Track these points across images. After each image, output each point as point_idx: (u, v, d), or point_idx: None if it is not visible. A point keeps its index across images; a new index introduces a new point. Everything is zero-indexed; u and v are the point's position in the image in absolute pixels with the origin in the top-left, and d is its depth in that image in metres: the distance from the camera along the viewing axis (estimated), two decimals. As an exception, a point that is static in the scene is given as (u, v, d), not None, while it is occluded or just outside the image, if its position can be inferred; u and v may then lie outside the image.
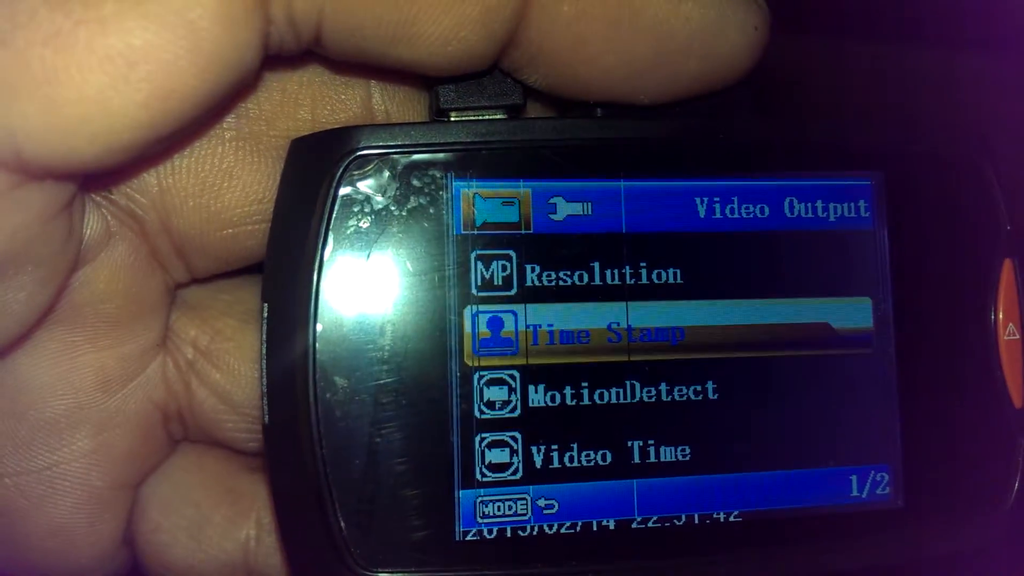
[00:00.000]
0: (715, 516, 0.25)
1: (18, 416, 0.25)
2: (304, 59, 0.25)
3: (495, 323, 0.25)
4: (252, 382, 0.27)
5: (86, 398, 0.25)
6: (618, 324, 0.25)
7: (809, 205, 0.27)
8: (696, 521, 0.25)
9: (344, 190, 0.24)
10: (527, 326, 0.25)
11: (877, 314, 0.26)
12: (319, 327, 0.24)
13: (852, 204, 0.27)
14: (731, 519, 0.25)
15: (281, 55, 0.23)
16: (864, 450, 0.26)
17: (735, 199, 0.26)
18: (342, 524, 0.24)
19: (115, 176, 0.24)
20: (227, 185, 0.25)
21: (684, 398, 0.26)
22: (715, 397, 0.26)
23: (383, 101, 0.26)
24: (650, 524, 0.25)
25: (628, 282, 0.26)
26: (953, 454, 0.27)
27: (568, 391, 0.25)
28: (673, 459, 0.25)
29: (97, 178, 0.24)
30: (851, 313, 0.26)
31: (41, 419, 0.25)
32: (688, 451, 0.25)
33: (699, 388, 0.26)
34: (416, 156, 0.25)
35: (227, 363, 0.27)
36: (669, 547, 0.25)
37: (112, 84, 0.19)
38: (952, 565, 0.27)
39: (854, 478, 0.26)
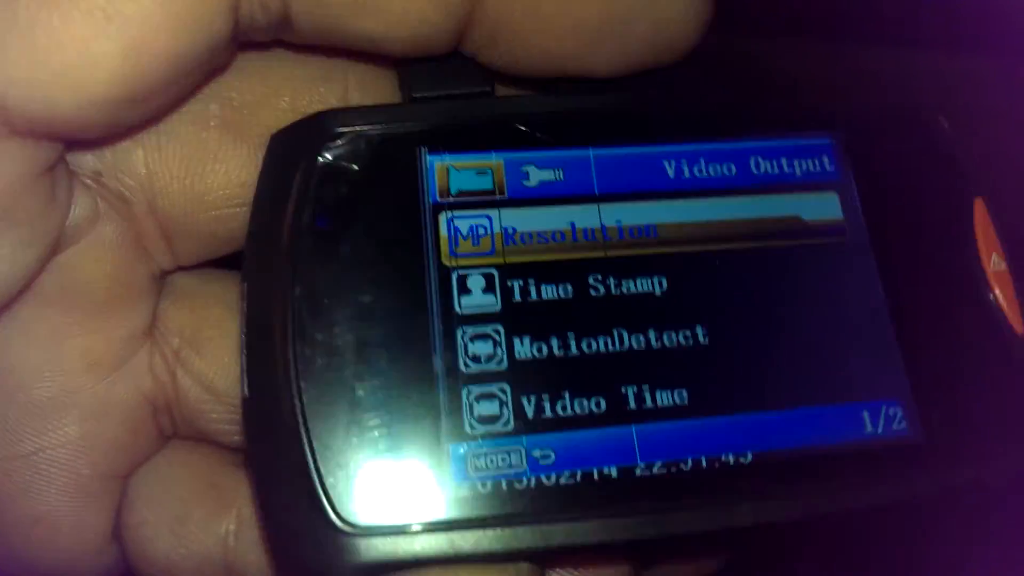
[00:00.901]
0: (724, 458, 0.24)
1: (7, 398, 0.24)
2: (280, 51, 0.27)
3: (476, 281, 0.25)
4: (236, 371, 0.26)
5: (74, 382, 0.25)
6: (599, 278, 0.25)
7: (774, 162, 0.27)
8: (704, 465, 0.24)
9: (320, 162, 0.25)
10: (509, 282, 0.25)
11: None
12: (297, 291, 0.24)
13: (816, 160, 0.28)
14: (742, 461, 0.24)
15: (253, 37, 0.25)
16: (872, 385, 0.25)
17: (702, 160, 0.27)
18: (326, 486, 0.22)
19: (95, 147, 0.25)
20: (212, 168, 0.26)
21: (675, 343, 0.25)
22: (706, 342, 0.25)
23: (360, 96, 0.28)
24: (655, 470, 0.24)
25: (605, 239, 0.26)
26: (965, 386, 0.25)
27: (555, 341, 0.25)
28: (670, 402, 0.24)
29: (82, 151, 0.25)
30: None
31: (29, 402, 0.24)
32: (685, 393, 0.24)
33: (689, 333, 0.25)
34: (389, 133, 0.26)
35: (211, 352, 0.26)
36: (678, 492, 0.23)
37: (93, 35, 0.21)
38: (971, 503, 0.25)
39: (866, 414, 0.25)
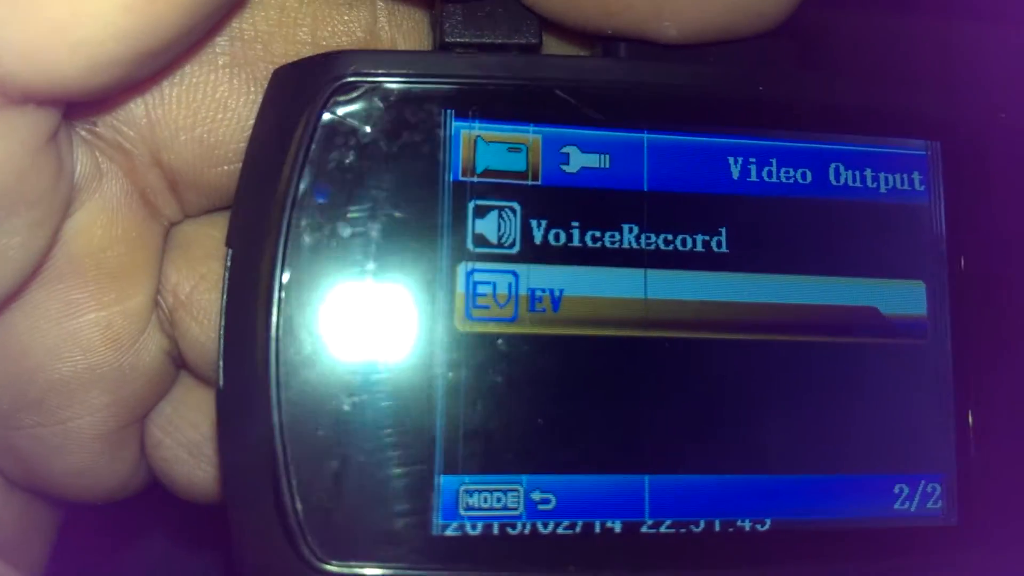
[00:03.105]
0: (739, 524, 0.22)
1: (26, 379, 0.23)
2: None
3: (491, 284, 0.22)
4: None
5: (97, 358, 0.23)
6: (633, 293, 0.22)
7: (857, 173, 0.23)
8: (717, 528, 0.22)
9: (326, 119, 0.21)
10: (528, 290, 0.22)
11: (931, 300, 0.23)
12: (286, 276, 0.21)
13: (905, 175, 0.24)
14: (758, 528, 0.22)
15: None
16: (914, 456, 0.23)
17: (773, 161, 0.23)
18: (299, 507, 0.20)
19: (100, 106, 0.22)
20: (221, 117, 0.22)
21: (707, 385, 0.22)
22: (743, 386, 0.22)
23: (389, 28, 0.23)
24: (663, 529, 0.21)
25: (647, 247, 0.22)
26: (1014, 467, 0.23)
27: (577, 371, 0.22)
28: (692, 455, 0.22)
29: (81, 108, 0.21)
30: (902, 297, 0.23)
31: (50, 380, 0.23)
32: (710, 447, 0.22)
33: (725, 375, 0.22)
34: (412, 87, 0.22)
35: (208, 317, 0.24)
36: (684, 557, 0.21)
37: None
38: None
39: (903, 488, 0.22)
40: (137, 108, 0.22)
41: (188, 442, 0.26)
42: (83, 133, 0.22)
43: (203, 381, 0.25)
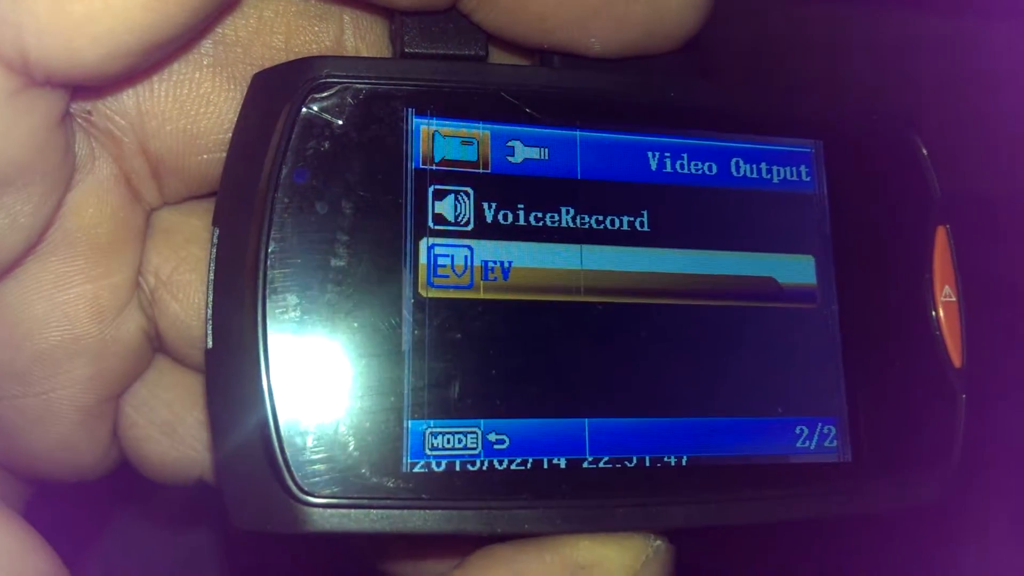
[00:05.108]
0: (666, 460, 0.25)
1: (14, 347, 0.25)
2: None
3: (450, 257, 0.25)
4: None
5: (81, 329, 0.25)
6: (570, 265, 0.26)
7: (754, 166, 0.28)
8: (647, 464, 0.25)
9: (304, 112, 0.24)
10: (482, 261, 0.25)
11: (820, 271, 0.27)
12: (272, 246, 0.24)
13: (794, 168, 0.28)
14: (681, 463, 0.25)
15: None
16: (811, 402, 0.27)
17: (685, 155, 0.27)
18: (286, 449, 0.23)
19: (99, 92, 0.24)
20: (204, 111, 0.25)
21: (635, 342, 0.26)
22: (666, 343, 0.26)
23: (354, 39, 0.27)
24: (601, 464, 0.25)
25: (581, 225, 0.26)
26: (898, 412, 0.27)
27: (525, 330, 0.25)
28: (625, 401, 0.25)
29: (83, 93, 0.24)
30: (795, 269, 0.27)
31: (37, 350, 0.25)
32: (639, 394, 0.25)
33: (650, 333, 0.26)
34: (378, 88, 0.25)
35: (187, 296, 0.26)
36: (619, 488, 0.25)
37: None
38: (898, 520, 0.27)
39: (802, 429, 0.26)
40: (129, 99, 0.25)
41: (161, 422, 0.28)
42: (79, 120, 0.25)
43: (178, 361, 0.28)
